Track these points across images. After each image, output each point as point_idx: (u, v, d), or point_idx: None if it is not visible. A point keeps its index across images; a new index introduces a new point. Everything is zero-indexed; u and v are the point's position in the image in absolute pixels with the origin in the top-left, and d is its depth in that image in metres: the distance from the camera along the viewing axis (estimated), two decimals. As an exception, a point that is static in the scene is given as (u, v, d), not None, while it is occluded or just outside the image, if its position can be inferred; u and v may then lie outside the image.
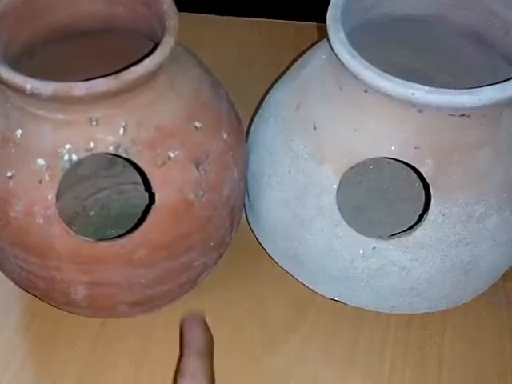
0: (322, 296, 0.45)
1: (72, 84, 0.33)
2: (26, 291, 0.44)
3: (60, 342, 0.46)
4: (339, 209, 0.40)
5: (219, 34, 0.69)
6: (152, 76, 0.35)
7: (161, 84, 0.36)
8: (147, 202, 0.50)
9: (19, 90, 0.33)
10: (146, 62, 0.34)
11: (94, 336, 0.46)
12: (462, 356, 0.45)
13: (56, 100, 0.33)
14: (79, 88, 0.33)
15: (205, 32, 0.68)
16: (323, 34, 0.39)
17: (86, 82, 0.33)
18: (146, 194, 0.52)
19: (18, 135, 0.36)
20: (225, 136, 0.40)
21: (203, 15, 0.71)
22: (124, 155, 0.36)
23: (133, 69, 0.34)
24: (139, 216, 0.48)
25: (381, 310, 0.44)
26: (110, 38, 0.41)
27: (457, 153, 0.37)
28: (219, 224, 0.42)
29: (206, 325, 0.42)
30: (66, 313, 0.45)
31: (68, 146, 0.35)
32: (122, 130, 0.36)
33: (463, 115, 0.36)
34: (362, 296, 0.44)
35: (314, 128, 0.40)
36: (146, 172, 0.36)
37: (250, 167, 0.46)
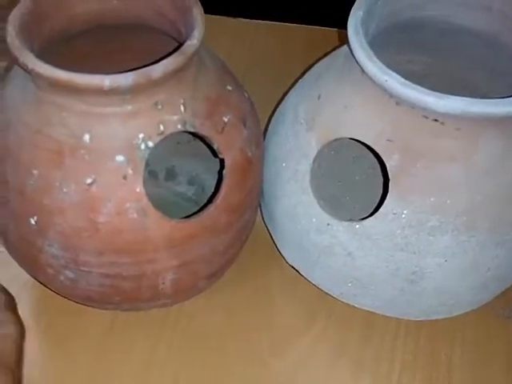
0: (331, 300, 0.46)
1: (149, 68, 0.34)
2: (88, 304, 0.43)
3: (69, 338, 0.46)
4: (313, 177, 0.41)
5: (232, 36, 0.69)
6: (196, 52, 0.37)
7: (197, 60, 0.38)
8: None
9: (89, 91, 0.33)
10: (196, 33, 0.36)
11: (103, 332, 0.46)
12: (471, 366, 0.45)
13: (131, 90, 0.34)
14: (156, 70, 0.34)
15: (218, 34, 0.65)
16: (344, 40, 0.39)
17: (160, 63, 0.34)
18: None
19: (87, 140, 0.35)
20: (246, 95, 0.43)
21: (216, 17, 0.70)
22: (191, 130, 0.37)
23: (188, 43, 0.35)
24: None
25: (331, 294, 0.45)
26: (126, 34, 0.41)
27: (425, 157, 0.37)
28: (261, 179, 0.45)
29: None
30: (74, 310, 0.45)
31: (141, 135, 0.36)
32: (182, 107, 0.37)
33: (436, 120, 0.35)
34: (314, 272, 0.45)
35: (319, 97, 0.41)
36: (212, 141, 0.38)
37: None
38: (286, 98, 0.46)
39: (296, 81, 0.47)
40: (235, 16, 0.73)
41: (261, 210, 0.50)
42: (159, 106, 0.36)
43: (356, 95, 0.39)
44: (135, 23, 0.40)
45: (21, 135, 0.36)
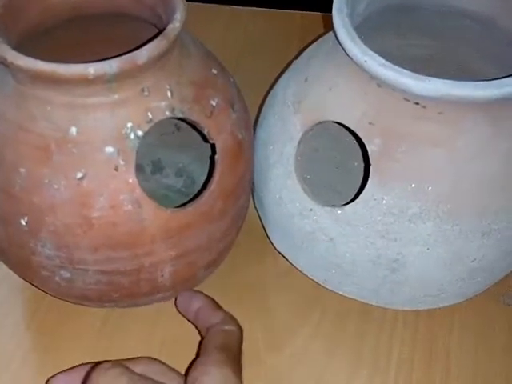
0: (327, 294, 0.45)
1: (133, 54, 0.33)
2: (90, 303, 0.42)
3: (62, 336, 0.45)
4: (297, 161, 0.41)
5: (225, 23, 0.68)
6: (179, 35, 0.36)
7: (180, 45, 0.37)
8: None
9: (73, 81, 0.32)
10: (177, 16, 0.35)
11: (96, 331, 0.45)
12: (471, 355, 0.44)
13: (117, 77, 0.33)
14: (141, 55, 0.33)
15: (210, 21, 0.66)
16: (329, 25, 0.38)
17: (143, 48, 0.33)
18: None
19: (74, 133, 0.34)
20: (231, 79, 0.42)
21: (208, 5, 0.70)
22: (180, 116, 0.36)
23: (171, 26, 0.34)
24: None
25: (316, 281, 0.44)
26: (105, 24, 0.40)
27: (406, 142, 0.36)
28: (252, 164, 0.44)
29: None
30: (67, 308, 0.44)
31: (130, 124, 0.35)
32: (169, 93, 0.36)
33: (417, 104, 0.34)
34: (299, 258, 0.44)
35: (306, 80, 0.41)
36: (201, 126, 0.37)
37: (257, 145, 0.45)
38: (278, 81, 0.45)
39: (289, 65, 0.46)
40: (228, 4, 0.73)
41: (253, 197, 0.49)
42: (146, 93, 0.35)
43: (340, 77, 0.38)
44: (113, 12, 0.39)
45: (2, 132, 0.35)
